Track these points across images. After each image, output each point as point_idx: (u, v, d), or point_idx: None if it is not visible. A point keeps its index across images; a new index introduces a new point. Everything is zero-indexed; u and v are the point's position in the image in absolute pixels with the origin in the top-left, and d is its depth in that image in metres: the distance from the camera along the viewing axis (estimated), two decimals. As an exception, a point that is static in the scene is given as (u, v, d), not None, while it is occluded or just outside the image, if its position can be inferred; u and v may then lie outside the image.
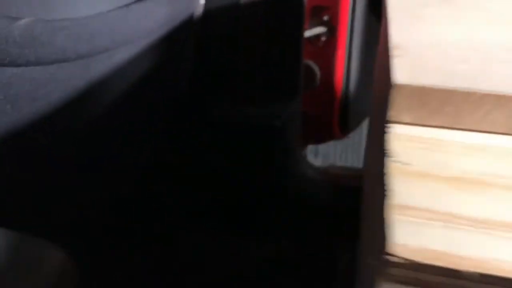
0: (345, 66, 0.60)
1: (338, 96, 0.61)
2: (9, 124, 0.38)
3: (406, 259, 0.16)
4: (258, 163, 0.61)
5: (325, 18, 0.58)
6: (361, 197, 0.64)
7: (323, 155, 0.92)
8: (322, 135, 0.64)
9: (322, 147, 0.89)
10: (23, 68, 0.37)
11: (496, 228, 0.18)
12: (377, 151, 0.24)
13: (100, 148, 0.48)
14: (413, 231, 0.17)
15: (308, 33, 0.58)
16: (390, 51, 0.24)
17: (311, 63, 0.60)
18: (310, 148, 0.84)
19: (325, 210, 0.62)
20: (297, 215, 0.63)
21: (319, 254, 0.62)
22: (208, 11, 0.53)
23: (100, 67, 0.41)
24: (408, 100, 0.21)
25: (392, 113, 0.22)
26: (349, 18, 0.58)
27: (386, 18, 0.31)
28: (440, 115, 0.22)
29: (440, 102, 0.21)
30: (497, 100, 0.21)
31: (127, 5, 0.42)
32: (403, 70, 0.23)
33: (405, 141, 0.21)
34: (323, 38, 0.59)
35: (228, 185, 0.63)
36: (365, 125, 0.70)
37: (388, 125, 0.22)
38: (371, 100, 0.53)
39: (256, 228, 0.64)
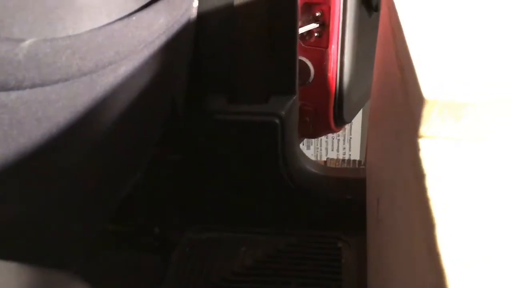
0: (338, 60, 0.60)
1: (332, 90, 0.61)
2: (16, 149, 0.37)
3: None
4: (256, 159, 0.61)
5: (317, 14, 0.58)
6: (359, 189, 0.65)
7: (315, 146, 0.93)
8: (318, 129, 0.65)
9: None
10: (28, 90, 0.35)
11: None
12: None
13: (105, 157, 0.47)
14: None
15: (301, 30, 0.58)
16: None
17: (305, 59, 0.60)
18: (303, 140, 0.85)
19: (325, 202, 0.63)
20: (298, 207, 0.64)
21: (323, 247, 0.63)
22: (202, 13, 0.52)
23: (104, 82, 0.40)
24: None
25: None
26: (340, 13, 0.58)
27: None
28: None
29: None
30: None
31: (127, 16, 0.41)
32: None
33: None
34: (316, 34, 0.59)
35: (229, 181, 0.63)
36: (356, 117, 0.71)
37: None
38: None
39: (259, 221, 0.65)
